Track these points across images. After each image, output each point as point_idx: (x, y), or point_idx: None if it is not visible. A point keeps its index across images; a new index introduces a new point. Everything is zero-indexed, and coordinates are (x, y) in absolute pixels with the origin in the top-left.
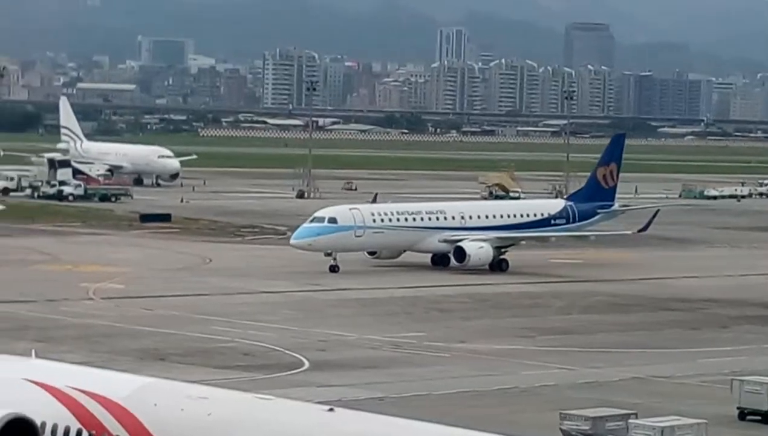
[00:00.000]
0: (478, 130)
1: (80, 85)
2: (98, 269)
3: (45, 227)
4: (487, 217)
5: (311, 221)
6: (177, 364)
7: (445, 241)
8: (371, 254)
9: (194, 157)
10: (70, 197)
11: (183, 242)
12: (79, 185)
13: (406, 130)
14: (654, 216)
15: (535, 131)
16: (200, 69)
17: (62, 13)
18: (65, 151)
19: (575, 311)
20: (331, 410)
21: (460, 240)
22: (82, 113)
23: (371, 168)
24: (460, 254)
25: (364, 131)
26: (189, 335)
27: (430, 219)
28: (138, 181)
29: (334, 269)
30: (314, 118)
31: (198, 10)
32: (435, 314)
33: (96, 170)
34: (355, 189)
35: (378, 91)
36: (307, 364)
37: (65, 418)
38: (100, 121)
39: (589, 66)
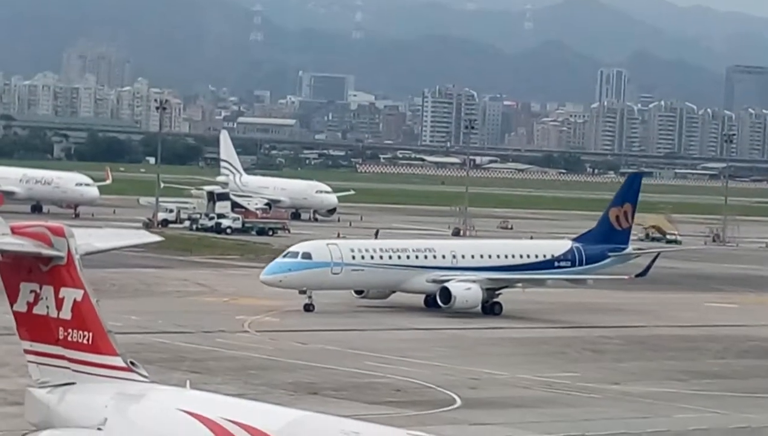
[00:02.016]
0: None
1: (241, 119)
2: (254, 302)
3: (202, 260)
4: (482, 256)
5: (284, 256)
6: (330, 398)
7: (434, 281)
8: (358, 293)
9: (352, 192)
10: (228, 230)
11: None
12: (237, 218)
13: (563, 170)
14: (654, 260)
15: (693, 174)
16: (360, 105)
17: (225, 48)
18: (224, 185)
19: (730, 355)
20: None
21: (449, 280)
22: (242, 147)
23: (528, 207)
24: (446, 294)
25: (521, 170)
26: (342, 369)
27: (417, 257)
28: (295, 216)
29: (308, 307)
30: (472, 157)
31: (359, 47)
32: (588, 355)
33: (254, 204)
34: (511, 228)
35: (536, 131)
36: (458, 401)
37: None
38: (260, 156)
39: (750, 109)
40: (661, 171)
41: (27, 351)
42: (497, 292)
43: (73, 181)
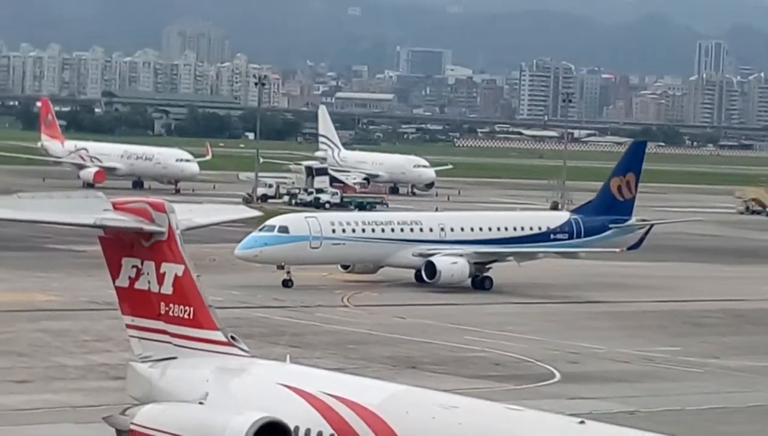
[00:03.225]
0: (736, 144)
1: (339, 94)
2: (353, 276)
3: None
4: (472, 229)
5: (260, 230)
6: (429, 372)
7: (420, 255)
8: (344, 267)
9: (450, 166)
10: (327, 205)
11: None
12: (336, 193)
13: (662, 143)
14: (647, 232)
15: None
16: (457, 79)
17: (323, 23)
18: (323, 160)
19: None
20: (582, 422)
21: (434, 254)
22: (340, 122)
23: None
24: (431, 269)
25: (619, 144)
26: (441, 343)
27: (402, 230)
28: (394, 190)
29: (287, 283)
30: (569, 130)
31: (456, 21)
32: (690, 329)
33: (352, 179)
34: None
35: (635, 104)
36: (558, 376)
37: (318, 423)
38: (358, 130)
39: None
40: (761, 143)
41: (129, 326)
42: (487, 266)
43: (173, 157)
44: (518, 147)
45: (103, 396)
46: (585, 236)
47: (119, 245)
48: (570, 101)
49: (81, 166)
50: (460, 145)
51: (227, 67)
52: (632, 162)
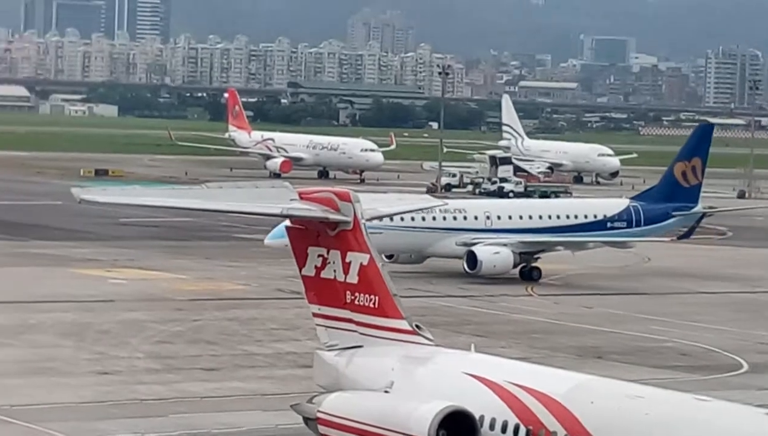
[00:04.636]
0: None
1: (522, 83)
2: (538, 266)
3: None
4: (521, 217)
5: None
6: (615, 362)
7: (464, 244)
8: (388, 257)
9: (634, 155)
10: (511, 194)
11: None
12: (520, 183)
13: None
14: (698, 221)
15: None
16: (642, 67)
17: (506, 12)
18: (507, 149)
19: None
20: None
21: (477, 244)
22: (524, 111)
23: None
24: (473, 259)
25: None
26: (627, 333)
27: (445, 219)
28: (578, 179)
29: None
30: (757, 118)
31: (640, 8)
32: None
33: (536, 168)
34: None
35: None
36: (745, 366)
37: (503, 412)
38: (541, 119)
39: None
40: None
41: (315, 315)
42: (535, 256)
43: (358, 147)
44: None
45: (290, 384)
46: (645, 225)
47: (305, 235)
48: (757, 89)
49: (267, 157)
50: (645, 133)
51: (411, 57)
52: (699, 146)
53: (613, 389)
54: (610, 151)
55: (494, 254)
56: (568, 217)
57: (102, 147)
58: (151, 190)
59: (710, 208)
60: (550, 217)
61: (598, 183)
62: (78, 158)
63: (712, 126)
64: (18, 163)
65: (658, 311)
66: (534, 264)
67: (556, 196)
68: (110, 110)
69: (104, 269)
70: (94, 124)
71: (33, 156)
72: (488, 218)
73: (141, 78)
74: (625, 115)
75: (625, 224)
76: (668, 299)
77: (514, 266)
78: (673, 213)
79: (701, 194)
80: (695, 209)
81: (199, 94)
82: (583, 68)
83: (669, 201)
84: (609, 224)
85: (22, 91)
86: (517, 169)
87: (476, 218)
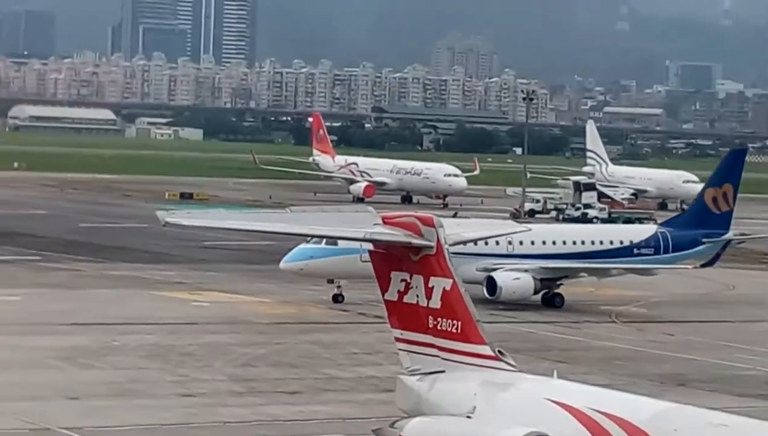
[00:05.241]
0: None
1: (607, 109)
2: (621, 292)
3: None
4: (544, 242)
5: (308, 242)
6: (698, 390)
7: (484, 270)
8: None
9: None
10: (595, 220)
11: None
12: (604, 209)
13: None
14: (724, 248)
15: None
16: (728, 93)
17: (591, 37)
18: (591, 175)
19: None
20: None
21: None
22: (608, 137)
23: None
24: (492, 285)
25: None
26: (711, 361)
27: (466, 244)
28: (662, 206)
29: (337, 298)
30: None
31: (727, 35)
32: None
33: (620, 194)
34: None
35: None
36: None
37: None
38: (626, 145)
39: None
40: None
41: (398, 339)
42: (558, 282)
43: (441, 172)
44: None
45: (372, 408)
46: (673, 252)
47: (388, 259)
48: None
49: (351, 181)
50: None
51: (495, 82)
52: (730, 172)
53: (697, 417)
54: (695, 178)
55: (514, 279)
56: (593, 242)
57: (187, 170)
58: (235, 214)
59: (742, 234)
60: (574, 242)
61: (683, 210)
62: (163, 181)
63: (744, 151)
64: (105, 186)
65: (743, 338)
66: (557, 290)
67: (641, 223)
68: (195, 134)
69: (188, 291)
70: (179, 148)
71: (119, 179)
72: (510, 243)
73: (226, 102)
74: (710, 142)
75: (652, 251)
76: (753, 327)
77: (536, 293)
78: (703, 240)
79: (732, 220)
80: (726, 236)
81: (284, 119)
82: (668, 94)
83: (699, 227)
84: (635, 251)
85: (108, 114)
86: (601, 196)
87: (497, 243)
